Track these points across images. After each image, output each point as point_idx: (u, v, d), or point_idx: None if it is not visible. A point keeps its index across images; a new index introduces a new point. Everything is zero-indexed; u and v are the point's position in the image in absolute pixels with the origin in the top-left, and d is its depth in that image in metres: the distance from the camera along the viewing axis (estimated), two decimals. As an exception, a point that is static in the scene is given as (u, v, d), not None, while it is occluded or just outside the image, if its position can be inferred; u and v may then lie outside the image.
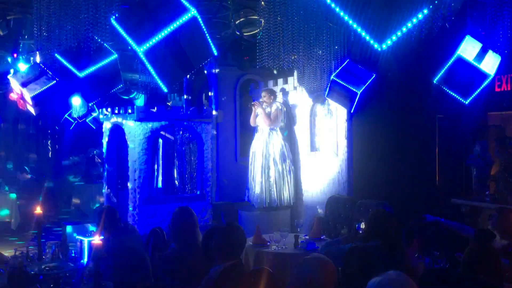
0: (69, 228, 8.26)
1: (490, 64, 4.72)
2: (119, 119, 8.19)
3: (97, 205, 10.63)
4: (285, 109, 7.67)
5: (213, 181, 8.46)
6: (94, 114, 9.86)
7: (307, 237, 5.69)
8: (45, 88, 5.28)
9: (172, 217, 4.20)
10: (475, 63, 4.68)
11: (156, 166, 8.34)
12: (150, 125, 7.94)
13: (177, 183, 8.56)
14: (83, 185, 11.66)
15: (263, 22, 5.04)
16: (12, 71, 6.51)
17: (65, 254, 4.29)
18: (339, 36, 5.09)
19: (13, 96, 7.01)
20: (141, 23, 3.78)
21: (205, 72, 8.65)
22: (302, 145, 7.69)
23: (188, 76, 7.01)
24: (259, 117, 7.62)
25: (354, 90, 5.65)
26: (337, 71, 5.64)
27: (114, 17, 3.77)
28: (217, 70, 8.56)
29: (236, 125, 8.67)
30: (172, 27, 3.86)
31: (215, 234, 3.49)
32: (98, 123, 9.69)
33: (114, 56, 5.40)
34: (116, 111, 8.16)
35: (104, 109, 8.68)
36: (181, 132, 8.41)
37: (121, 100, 9.83)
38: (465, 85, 4.80)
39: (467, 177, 6.76)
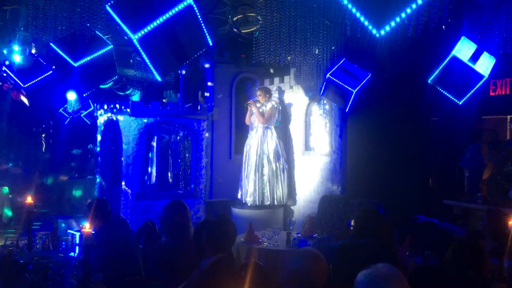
0: (61, 222, 8.24)
1: (485, 65, 4.73)
2: (114, 115, 8.17)
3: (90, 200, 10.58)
4: (280, 107, 7.67)
5: (207, 178, 8.44)
6: (90, 109, 9.84)
7: (299, 235, 5.70)
8: (40, 78, 5.27)
9: (164, 209, 4.18)
10: (470, 64, 4.69)
11: (150, 162, 8.30)
12: (145, 120, 7.91)
13: (170, 179, 8.53)
14: (77, 179, 11.62)
15: (261, 19, 5.04)
16: (7, 62, 6.49)
17: (55, 245, 4.29)
18: (336, 35, 5.09)
19: (7, 86, 6.99)
20: (136, 10, 3.76)
21: (201, 69, 8.65)
22: (297, 144, 7.69)
23: (182, 65, 6.94)
24: (254, 115, 7.62)
25: (350, 89, 5.64)
26: (333, 69, 5.63)
27: (109, 3, 3.76)
28: (213, 67, 8.54)
29: (232, 123, 8.66)
30: (167, 15, 3.84)
31: (206, 227, 3.48)
32: (93, 118, 9.66)
33: (109, 47, 5.38)
34: (112, 106, 8.13)
35: (98, 104, 8.65)
36: (176, 129, 8.39)
37: (117, 96, 9.82)
38: (459, 85, 4.81)
39: (460, 179, 6.78)
